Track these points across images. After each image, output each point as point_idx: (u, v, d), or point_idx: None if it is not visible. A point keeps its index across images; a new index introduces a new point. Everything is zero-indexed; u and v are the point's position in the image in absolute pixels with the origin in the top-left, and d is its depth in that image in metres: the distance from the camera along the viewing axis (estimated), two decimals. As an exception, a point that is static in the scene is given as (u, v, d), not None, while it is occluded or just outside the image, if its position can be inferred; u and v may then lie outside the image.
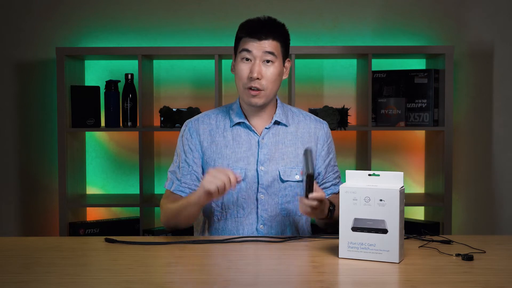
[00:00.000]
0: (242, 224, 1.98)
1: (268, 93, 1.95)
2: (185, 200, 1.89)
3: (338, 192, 2.07)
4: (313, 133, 2.06)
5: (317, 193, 1.74)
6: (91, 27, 3.29)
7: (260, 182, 1.97)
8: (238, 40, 1.99)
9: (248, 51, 1.93)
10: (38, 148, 3.31)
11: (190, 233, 2.23)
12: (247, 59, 1.94)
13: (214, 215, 2.02)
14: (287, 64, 2.02)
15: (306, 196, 1.73)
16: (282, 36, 1.98)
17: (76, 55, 3.09)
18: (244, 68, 1.94)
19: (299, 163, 2.01)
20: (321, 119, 2.11)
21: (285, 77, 2.02)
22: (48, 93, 3.29)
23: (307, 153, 1.74)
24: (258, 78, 1.91)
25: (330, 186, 2.09)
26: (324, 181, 2.08)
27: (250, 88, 1.93)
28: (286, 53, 2.01)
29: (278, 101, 2.05)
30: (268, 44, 1.93)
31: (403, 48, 3.04)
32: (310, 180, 1.70)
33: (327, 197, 2.09)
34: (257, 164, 1.98)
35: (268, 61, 1.93)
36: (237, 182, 1.77)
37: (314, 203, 1.74)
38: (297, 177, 2.00)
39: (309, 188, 1.72)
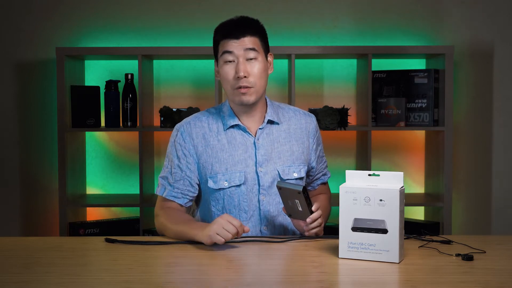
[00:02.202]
0: None
1: (258, 89, 1.93)
2: (186, 229, 1.82)
3: (326, 182, 2.19)
4: (304, 128, 2.06)
5: (315, 204, 1.82)
6: (91, 27, 3.29)
7: (260, 184, 1.97)
8: (216, 45, 1.97)
9: (229, 52, 1.91)
10: (38, 148, 3.31)
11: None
12: (230, 61, 1.92)
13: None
14: (270, 58, 2.00)
15: (311, 212, 1.79)
16: (259, 30, 1.96)
17: (76, 55, 3.09)
18: (229, 70, 1.92)
19: (295, 160, 2.01)
20: (309, 113, 2.11)
21: (270, 71, 2.00)
22: (48, 93, 3.29)
23: (281, 184, 1.81)
24: (245, 76, 1.90)
25: (321, 176, 2.15)
26: (316, 172, 2.13)
27: (239, 88, 1.91)
28: (266, 48, 1.99)
29: (268, 100, 2.04)
30: (248, 41, 1.91)
31: (403, 48, 3.04)
32: (306, 193, 1.76)
33: (316, 188, 2.18)
34: (256, 166, 1.97)
35: (251, 58, 1.91)
36: (245, 232, 1.76)
37: (320, 212, 1.82)
38: (295, 175, 2.00)
39: (310, 202, 1.78)
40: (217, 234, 1.70)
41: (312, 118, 2.10)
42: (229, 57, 1.92)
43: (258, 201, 1.97)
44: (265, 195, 1.97)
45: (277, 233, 1.99)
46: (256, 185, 1.97)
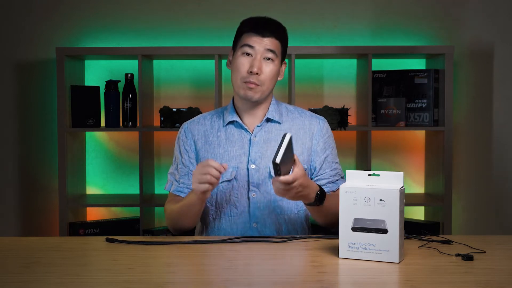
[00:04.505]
0: (236, 222, 1.99)
1: (265, 89, 1.95)
2: (186, 200, 1.90)
3: (336, 190, 2.05)
4: (308, 128, 2.04)
5: (286, 176, 1.68)
6: (91, 27, 3.29)
7: (250, 180, 1.98)
8: (239, 35, 1.99)
9: (250, 46, 1.94)
10: (38, 148, 3.31)
11: (190, 233, 2.22)
12: (248, 54, 1.95)
13: (209, 215, 2.03)
14: (283, 66, 2.04)
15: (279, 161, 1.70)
16: (283, 37, 2.01)
17: (76, 55, 3.09)
18: (244, 62, 1.95)
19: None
20: (318, 115, 2.10)
21: (280, 78, 2.03)
22: (48, 93, 3.29)
23: (282, 138, 1.67)
24: (257, 73, 1.92)
25: (326, 183, 2.04)
26: (318, 177, 2.04)
27: (248, 82, 1.93)
28: (284, 55, 2.03)
29: (273, 99, 2.05)
30: (270, 42, 1.95)
31: (403, 48, 3.04)
32: (275, 167, 1.64)
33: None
34: (248, 162, 1.98)
35: (268, 59, 1.95)
36: (224, 168, 1.76)
37: (281, 186, 1.70)
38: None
39: (276, 172, 1.66)
40: (199, 184, 1.75)
41: (319, 121, 2.07)
42: (248, 51, 1.95)
43: (248, 197, 1.98)
44: (256, 192, 1.98)
45: (269, 231, 1.99)
46: (246, 181, 1.98)
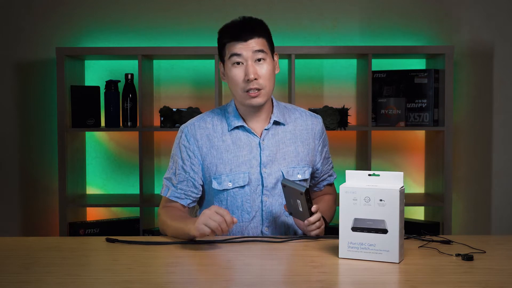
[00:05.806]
0: (247, 228, 1.97)
1: (267, 91, 1.92)
2: (182, 225, 1.82)
3: (332, 183, 2.18)
4: (310, 129, 2.05)
5: (314, 206, 1.81)
6: (91, 27, 3.29)
7: (264, 185, 1.96)
8: (222, 47, 1.95)
9: (237, 55, 1.90)
10: (38, 148, 3.31)
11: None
12: (239, 63, 1.90)
13: None
14: (276, 58, 1.99)
15: (310, 214, 1.79)
16: (265, 31, 1.95)
17: (76, 55, 3.09)
18: (238, 72, 1.90)
19: (300, 162, 2.00)
20: (315, 114, 2.10)
21: (277, 71, 1.99)
22: (48, 93, 3.29)
23: (286, 182, 1.81)
24: (255, 79, 1.89)
25: (327, 177, 2.14)
26: (322, 173, 2.12)
27: (249, 91, 1.90)
28: (272, 48, 1.98)
29: (274, 100, 2.04)
30: (256, 43, 1.90)
31: (403, 48, 3.04)
32: (308, 195, 1.76)
33: (322, 189, 2.18)
34: (260, 167, 1.96)
35: (259, 60, 1.90)
36: (233, 223, 1.73)
37: (319, 215, 1.81)
38: (299, 177, 1.99)
39: (311, 205, 1.78)
40: (204, 224, 1.71)
41: (319, 120, 2.09)
42: (238, 59, 1.90)
43: (261, 202, 1.97)
44: (268, 196, 1.97)
45: (278, 234, 1.99)
46: (259, 185, 1.96)
